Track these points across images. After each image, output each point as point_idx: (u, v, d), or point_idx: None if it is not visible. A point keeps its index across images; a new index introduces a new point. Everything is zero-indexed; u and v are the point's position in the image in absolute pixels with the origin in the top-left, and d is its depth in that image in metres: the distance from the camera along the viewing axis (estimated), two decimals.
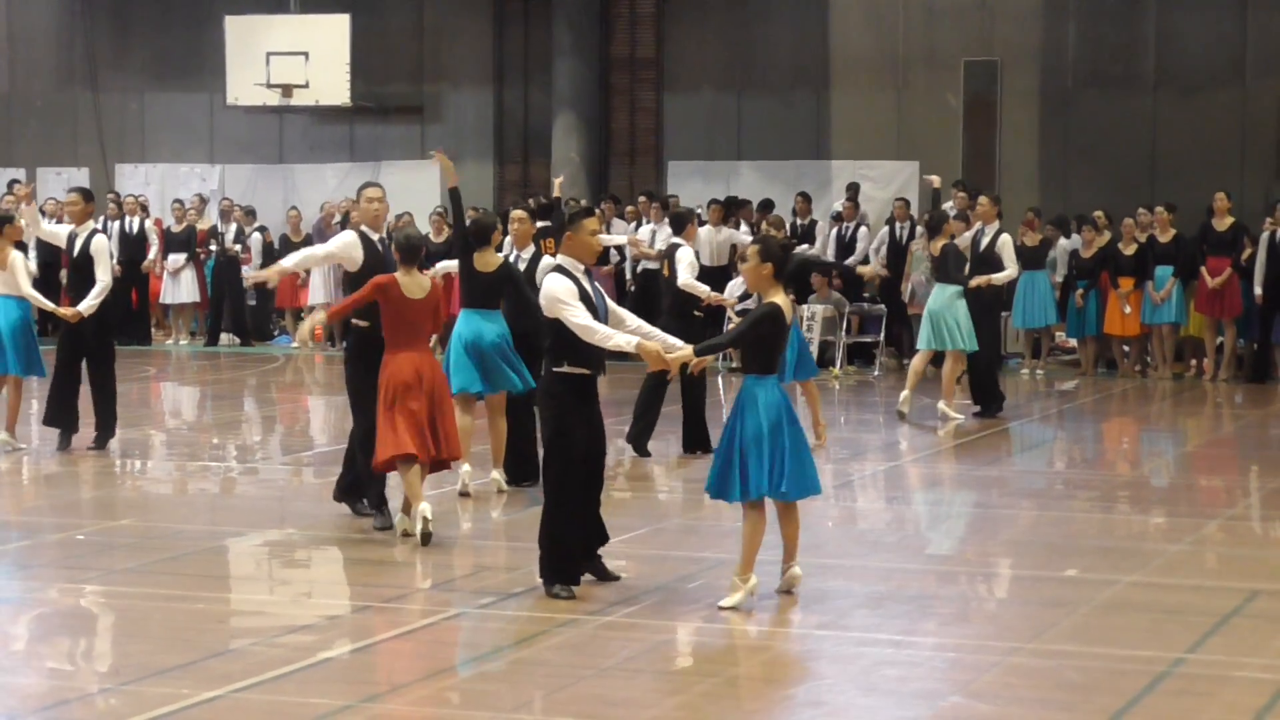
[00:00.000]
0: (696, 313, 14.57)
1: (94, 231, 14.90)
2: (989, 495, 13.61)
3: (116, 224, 25.46)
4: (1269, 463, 15.56)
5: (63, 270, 23.43)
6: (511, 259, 13.17)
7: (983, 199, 18.11)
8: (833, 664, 8.47)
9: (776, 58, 26.09)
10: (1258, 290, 20.97)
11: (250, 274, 13.65)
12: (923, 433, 16.85)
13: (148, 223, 25.93)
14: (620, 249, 23.43)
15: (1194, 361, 21.91)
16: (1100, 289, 21.95)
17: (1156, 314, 21.44)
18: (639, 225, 23.96)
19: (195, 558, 10.76)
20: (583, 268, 9.55)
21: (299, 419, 19.26)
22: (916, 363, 17.55)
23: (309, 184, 27.91)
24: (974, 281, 17.21)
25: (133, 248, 25.34)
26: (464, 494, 12.61)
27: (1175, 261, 21.33)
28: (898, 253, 23.26)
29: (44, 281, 20.61)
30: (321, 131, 28.14)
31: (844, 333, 22.43)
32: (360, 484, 11.63)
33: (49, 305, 15.13)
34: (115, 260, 15.30)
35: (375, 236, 11.58)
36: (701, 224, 21.74)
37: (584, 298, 9.38)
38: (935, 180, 18.51)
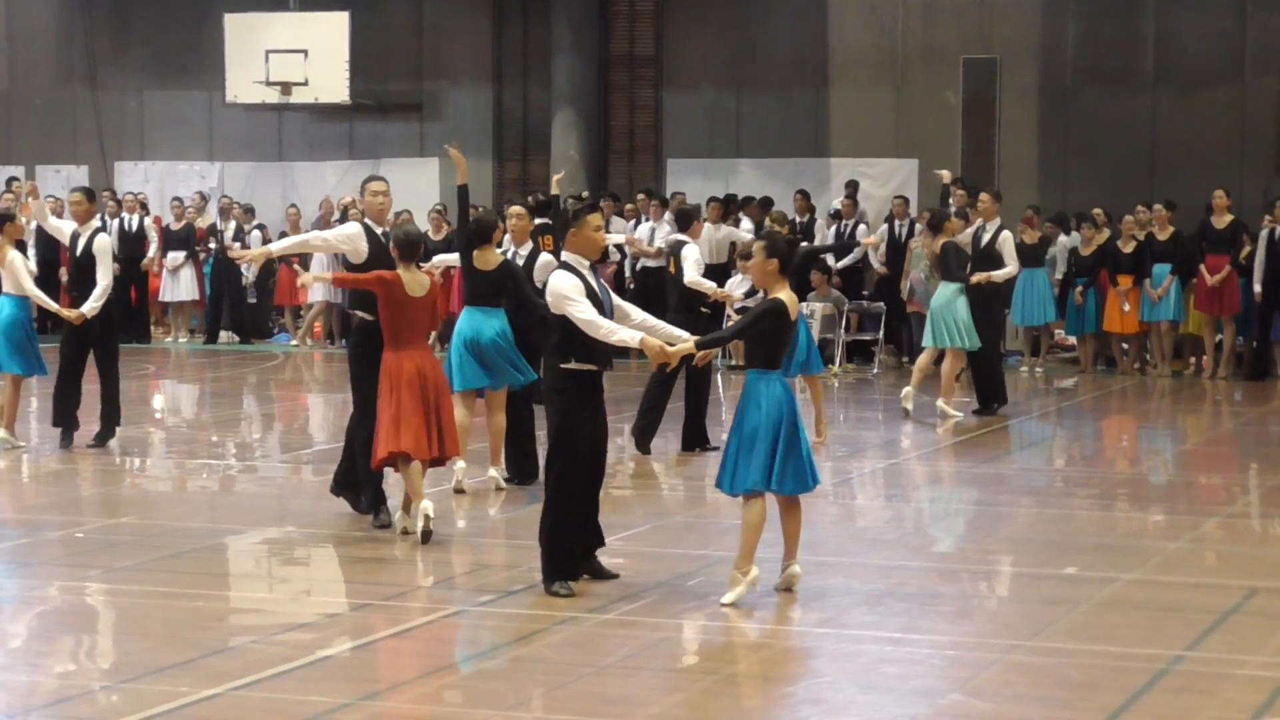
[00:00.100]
0: (703, 309, 14.61)
1: (97, 231, 14.91)
2: (988, 493, 13.61)
3: (115, 222, 25.45)
4: (1268, 460, 15.56)
5: (62, 269, 23.69)
6: (509, 256, 13.17)
7: (984, 196, 18.10)
8: (832, 661, 8.47)
9: (776, 55, 26.09)
10: (1257, 288, 20.97)
11: (236, 251, 13.61)
12: (922, 430, 16.86)
13: (147, 221, 25.92)
14: (620, 247, 23.43)
15: (1193, 359, 21.91)
16: (1099, 286, 21.96)
17: (1155, 311, 21.44)
18: (638, 223, 23.95)
19: (194, 555, 10.76)
20: (588, 263, 9.57)
21: (298, 417, 19.26)
22: (922, 360, 17.56)
23: (308, 182, 27.90)
24: (974, 278, 17.22)
25: (132, 245, 25.33)
26: (459, 491, 12.62)
27: (1173, 259, 21.33)
28: (897, 250, 23.27)
29: (43, 279, 20.60)
30: (321, 129, 28.14)
31: (843, 330, 22.43)
32: (357, 479, 11.61)
33: (52, 305, 15.15)
34: (115, 259, 15.29)
35: (379, 230, 11.58)
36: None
37: (590, 294, 9.40)
38: (946, 175, 18.48)
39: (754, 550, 9.29)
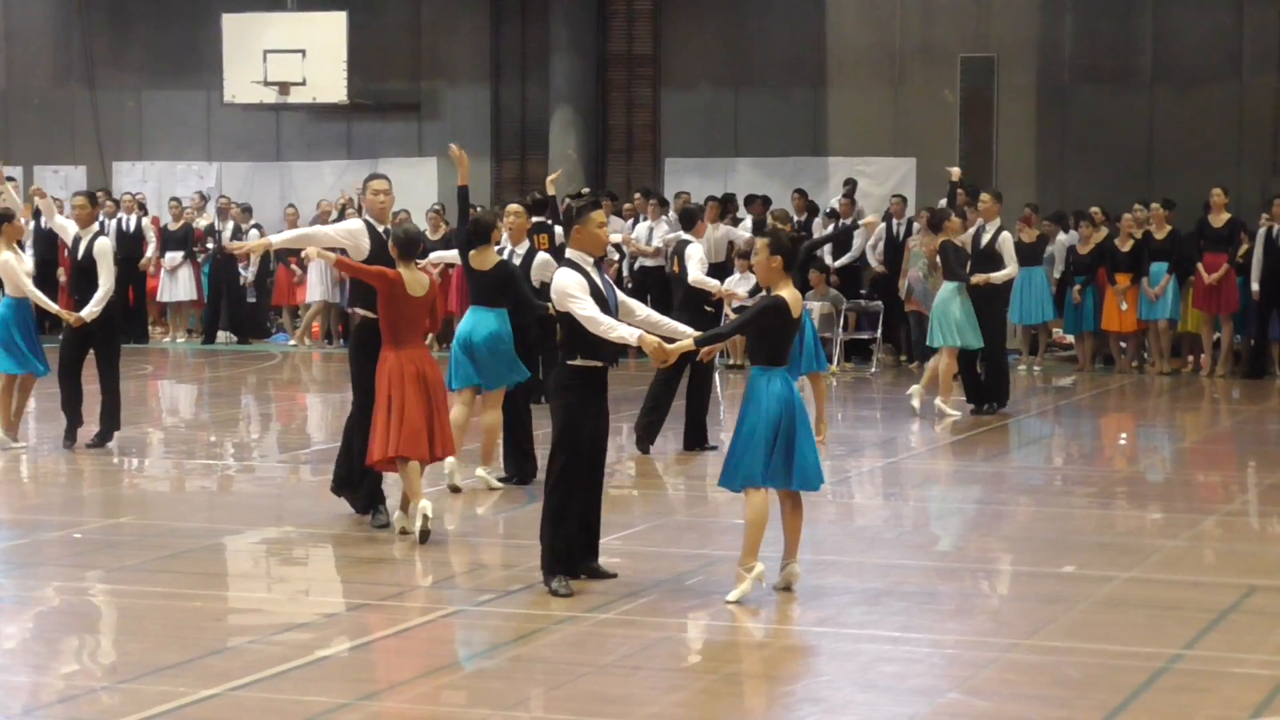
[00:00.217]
0: (707, 307, 14.64)
1: (97, 234, 14.93)
2: (987, 491, 13.62)
3: (113, 222, 25.44)
4: (1266, 458, 15.57)
5: (60, 268, 23.69)
6: (506, 253, 13.18)
7: (985, 196, 18.09)
8: (831, 660, 8.47)
9: (773, 54, 26.08)
10: (1255, 286, 20.98)
11: (235, 244, 13.59)
12: (920, 429, 16.86)
13: (145, 221, 25.91)
14: (617, 247, 23.43)
15: (1191, 357, 21.91)
16: (1097, 285, 21.96)
17: (1153, 310, 21.44)
18: (636, 222, 23.96)
19: (193, 555, 10.76)
20: (592, 260, 9.59)
21: (296, 416, 19.26)
22: (931, 362, 17.54)
23: (306, 181, 27.90)
24: (973, 279, 17.23)
25: (130, 245, 25.31)
26: (455, 489, 12.63)
27: (1171, 258, 21.33)
28: (895, 249, 23.27)
29: (41, 279, 20.58)
30: (319, 129, 28.13)
31: (841, 329, 22.44)
32: (356, 478, 11.61)
33: (52, 306, 15.16)
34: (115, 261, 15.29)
35: (380, 228, 11.57)
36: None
37: (594, 291, 9.42)
38: (955, 173, 18.44)
39: (757, 546, 9.30)
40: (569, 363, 9.50)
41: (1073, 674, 8.02)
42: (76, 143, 29.15)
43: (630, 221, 24.16)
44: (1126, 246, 21.63)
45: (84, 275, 14.78)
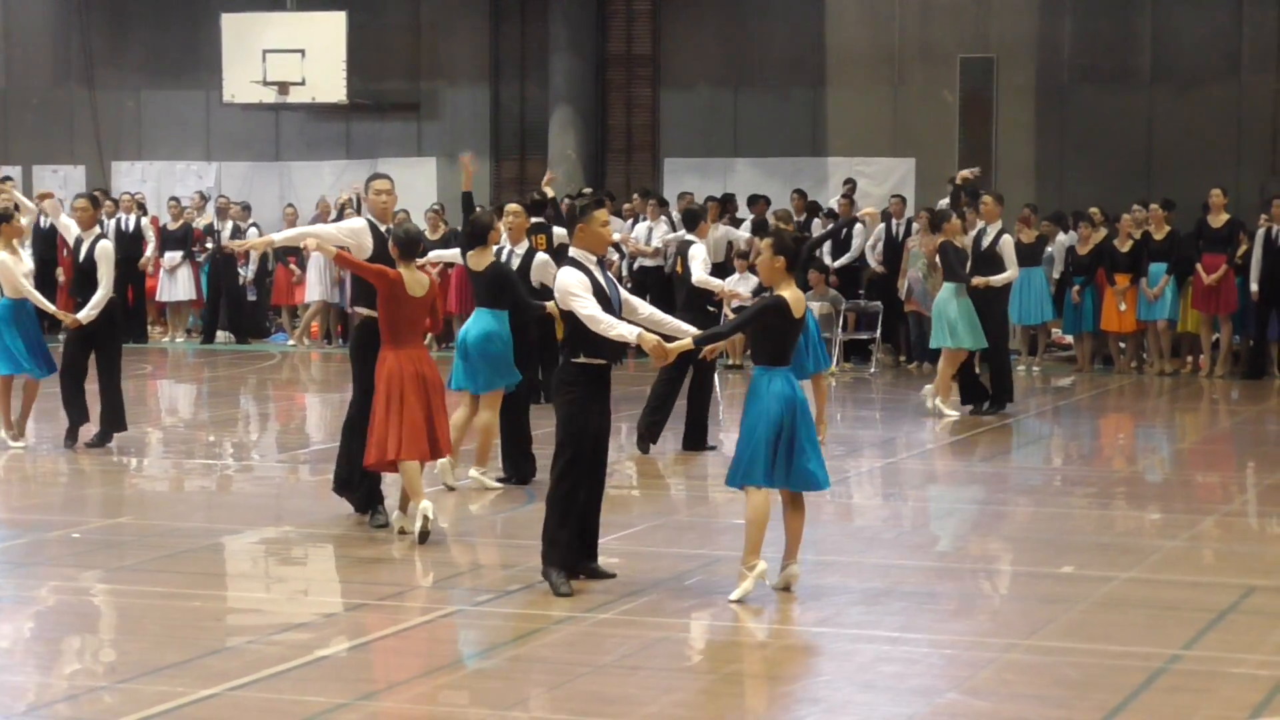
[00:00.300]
0: (710, 307, 14.68)
1: (99, 237, 14.93)
2: (986, 491, 13.62)
3: (112, 222, 25.42)
4: (1265, 458, 15.57)
5: (59, 268, 23.68)
6: (505, 252, 13.18)
7: (986, 198, 18.07)
8: (830, 660, 8.47)
9: (773, 54, 26.09)
10: (1254, 287, 20.97)
11: (236, 242, 13.54)
12: (919, 429, 16.86)
13: (144, 220, 25.90)
14: (616, 246, 23.43)
15: (1190, 358, 21.91)
16: (1096, 285, 21.96)
17: (1152, 310, 21.44)
18: (635, 222, 23.96)
19: (192, 555, 10.76)
20: (594, 258, 9.61)
21: (295, 416, 19.26)
22: (941, 363, 17.52)
23: (305, 181, 27.90)
24: (973, 281, 17.24)
25: (129, 245, 25.30)
26: (449, 488, 12.64)
27: (1170, 258, 21.33)
28: (894, 249, 23.27)
29: (40, 278, 20.58)
30: (318, 128, 28.13)
31: (840, 330, 22.44)
32: (355, 478, 11.60)
33: (49, 307, 15.14)
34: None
35: (383, 228, 11.57)
36: None
37: (597, 290, 9.43)
38: (970, 173, 18.42)
39: (758, 544, 9.31)
40: (572, 360, 9.53)
41: (1071, 674, 8.02)
42: (75, 142, 29.15)
43: (630, 221, 24.15)
44: (1125, 247, 21.63)
45: (85, 277, 14.79)
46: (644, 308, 9.87)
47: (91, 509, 12.81)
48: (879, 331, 22.91)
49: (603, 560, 9.90)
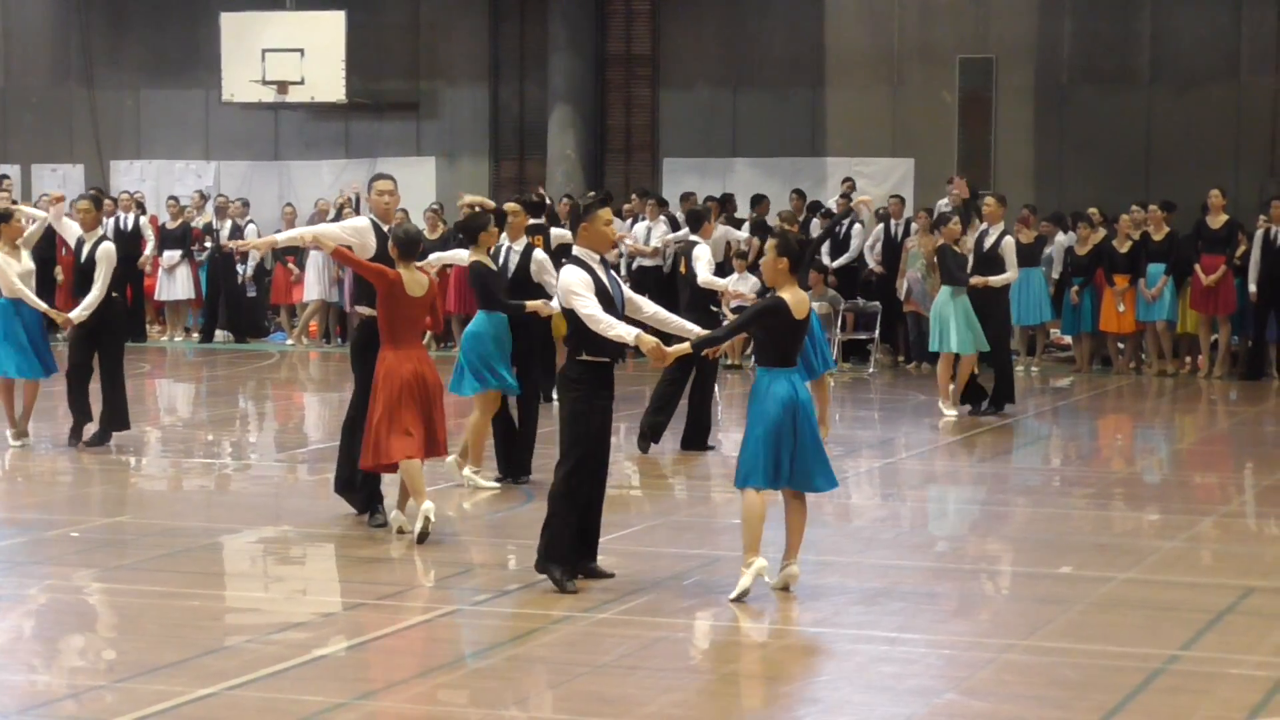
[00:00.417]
0: (713, 308, 14.71)
1: (101, 239, 14.92)
2: (984, 492, 13.63)
3: (111, 221, 25.42)
4: (1263, 459, 15.57)
5: (57, 267, 23.66)
6: (504, 250, 13.18)
7: (989, 200, 18.08)
8: (828, 660, 8.48)
9: (772, 54, 26.09)
10: (1252, 288, 20.97)
11: (239, 242, 13.53)
12: (918, 429, 16.87)
13: (143, 219, 25.90)
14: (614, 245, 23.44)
15: (1189, 359, 21.91)
16: (1095, 286, 21.96)
17: (1150, 311, 21.44)
18: (634, 222, 23.96)
19: (190, 555, 10.76)
20: (598, 257, 9.63)
21: (294, 416, 19.26)
22: (958, 366, 17.49)
23: (304, 180, 27.90)
24: (971, 281, 17.26)
25: (128, 244, 25.29)
26: (476, 485, 12.72)
27: (1168, 259, 21.33)
28: (893, 250, 23.27)
29: (39, 278, 20.57)
30: (317, 128, 28.13)
31: (839, 330, 22.43)
32: (355, 479, 11.60)
33: (42, 306, 15.10)
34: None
35: (385, 228, 11.58)
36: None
37: (600, 289, 9.44)
38: (960, 188, 18.43)
39: (754, 543, 9.32)
40: (576, 358, 9.54)
41: (1070, 675, 8.03)
42: (74, 141, 29.14)
43: (629, 221, 24.15)
44: (1124, 248, 21.63)
45: (86, 278, 14.78)
46: (648, 306, 9.90)
47: (91, 508, 12.80)
48: (877, 332, 22.91)
49: (602, 560, 9.90)
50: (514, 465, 13.11)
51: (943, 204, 22.43)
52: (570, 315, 9.54)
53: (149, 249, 25.59)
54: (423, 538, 10.71)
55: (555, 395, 10.67)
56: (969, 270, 17.34)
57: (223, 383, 21.67)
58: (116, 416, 15.00)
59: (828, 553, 10.69)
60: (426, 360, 11.10)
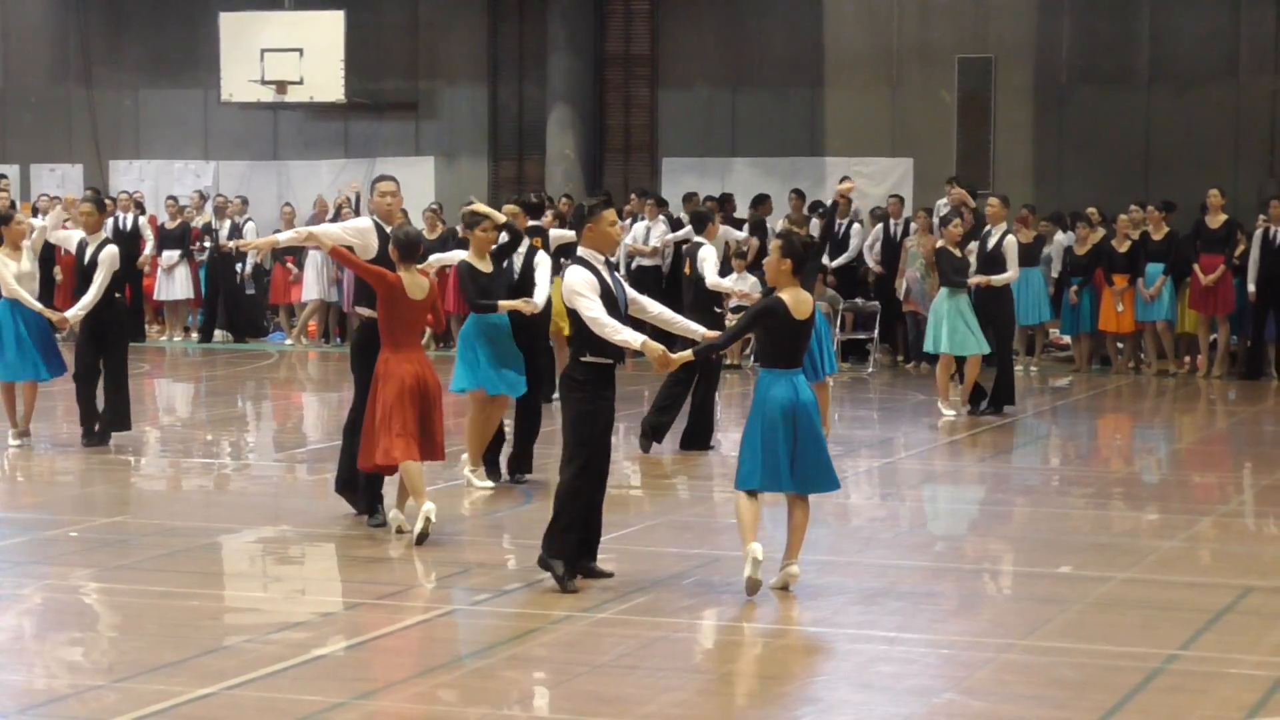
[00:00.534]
0: (717, 309, 14.73)
1: (105, 241, 14.91)
2: (983, 491, 13.63)
3: (110, 220, 25.41)
4: (1262, 459, 15.57)
5: (56, 267, 23.65)
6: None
7: (992, 200, 18.13)
8: (827, 660, 8.48)
9: (771, 54, 26.09)
10: (1251, 287, 20.97)
11: (240, 241, 13.55)
12: (917, 429, 16.87)
13: (142, 219, 25.90)
14: None
15: (1187, 358, 21.91)
16: (1094, 285, 21.96)
17: (1149, 311, 21.45)
18: (633, 222, 23.96)
19: (189, 554, 10.76)
20: (603, 258, 9.64)
21: (293, 415, 19.26)
22: (965, 368, 17.49)
23: (303, 180, 27.90)
24: (973, 280, 17.28)
25: (127, 244, 25.27)
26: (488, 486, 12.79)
27: (1167, 259, 21.33)
28: (892, 249, 23.28)
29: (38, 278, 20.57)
30: (316, 128, 28.12)
31: (838, 330, 22.44)
32: (356, 479, 11.59)
33: (36, 305, 15.06)
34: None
35: (388, 229, 11.58)
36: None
37: (604, 290, 9.46)
38: (960, 193, 18.47)
39: (747, 534, 9.33)
40: (580, 359, 9.54)
41: (1068, 674, 8.03)
42: (73, 141, 29.14)
43: (628, 221, 24.15)
44: (1124, 247, 21.63)
45: (88, 280, 14.78)
46: (653, 306, 9.93)
47: (90, 508, 12.79)
48: (876, 331, 22.92)
49: (601, 559, 9.90)
50: (495, 468, 13.11)
51: (941, 204, 22.46)
52: (574, 316, 9.54)
53: (148, 249, 25.59)
54: (422, 538, 10.70)
55: (556, 396, 10.68)
56: (973, 271, 17.36)
57: (222, 383, 21.67)
58: (118, 417, 15.02)
59: (827, 552, 10.70)
60: (426, 363, 11.10)
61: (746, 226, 22.96)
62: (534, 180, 26.32)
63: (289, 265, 25.35)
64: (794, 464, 9.37)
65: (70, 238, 15.12)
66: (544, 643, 8.62)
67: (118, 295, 15.11)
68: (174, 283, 25.90)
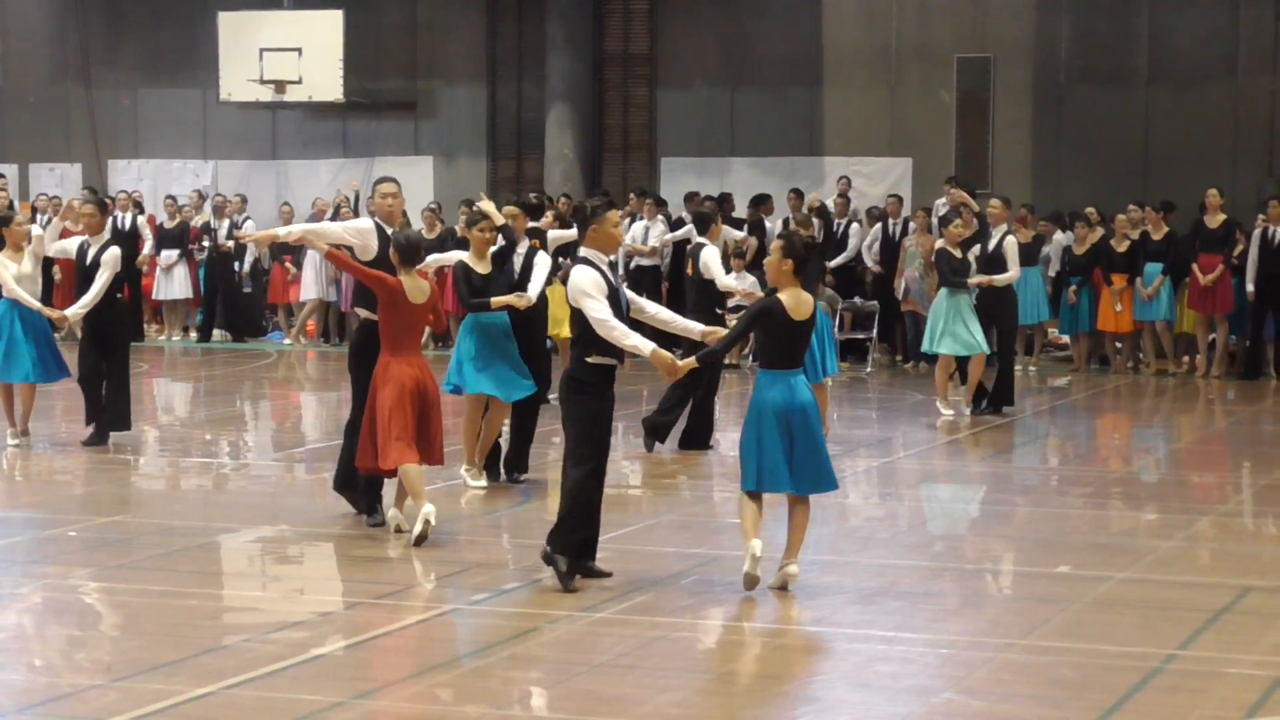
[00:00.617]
0: (719, 310, 14.76)
1: (108, 243, 14.89)
2: (982, 491, 13.63)
3: (109, 219, 25.38)
4: (1261, 459, 15.57)
5: (55, 266, 23.63)
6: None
7: (994, 201, 18.16)
8: (826, 660, 8.48)
9: (770, 53, 26.09)
10: (1250, 287, 20.97)
11: (242, 232, 13.55)
12: (915, 429, 16.88)
13: (140, 219, 25.90)
14: None
15: (1186, 358, 21.91)
16: (1093, 285, 21.96)
17: (1148, 311, 21.45)
18: (632, 221, 23.96)
19: (188, 554, 10.76)
20: (606, 259, 9.64)
21: (291, 415, 19.26)
22: (969, 369, 17.48)
23: (302, 179, 27.90)
24: (973, 280, 17.29)
25: (126, 244, 25.24)
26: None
27: (1166, 259, 21.33)
28: (891, 249, 23.28)
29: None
30: (315, 127, 28.12)
31: (836, 329, 22.42)
32: (355, 479, 11.59)
33: (35, 304, 15.05)
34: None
35: (389, 230, 11.57)
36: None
37: (611, 292, 9.49)
38: (958, 192, 18.48)
39: (749, 531, 9.40)
40: (586, 360, 9.52)
41: (1067, 674, 8.03)
42: (72, 140, 29.14)
43: (626, 221, 24.16)
44: (1123, 247, 21.64)
45: (89, 282, 14.77)
46: (650, 306, 9.97)
47: (88, 507, 12.79)
48: (875, 331, 22.92)
49: (600, 559, 9.89)
50: (495, 469, 13.11)
51: (940, 203, 22.46)
52: (579, 317, 9.52)
53: (146, 248, 25.59)
54: (420, 540, 10.68)
55: (553, 397, 10.69)
56: (974, 271, 17.36)
57: (220, 382, 21.67)
58: (119, 418, 15.03)
59: (825, 552, 10.70)
60: (425, 367, 11.10)
61: (746, 226, 22.96)
62: (532, 180, 26.32)
63: (288, 265, 25.35)
64: (791, 465, 9.39)
65: (68, 248, 15.09)
66: (543, 642, 8.62)
67: (119, 295, 15.11)
68: (173, 282, 25.90)
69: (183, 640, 8.50)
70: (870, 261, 23.57)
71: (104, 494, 13.36)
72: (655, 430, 14.76)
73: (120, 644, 8.70)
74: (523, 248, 13.30)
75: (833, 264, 23.49)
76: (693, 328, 9.90)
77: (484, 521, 12.08)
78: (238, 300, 26.01)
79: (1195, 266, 21.10)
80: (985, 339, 17.14)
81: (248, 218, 25.94)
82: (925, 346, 17.59)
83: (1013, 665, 8.21)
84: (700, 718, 7.54)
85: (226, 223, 25.78)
